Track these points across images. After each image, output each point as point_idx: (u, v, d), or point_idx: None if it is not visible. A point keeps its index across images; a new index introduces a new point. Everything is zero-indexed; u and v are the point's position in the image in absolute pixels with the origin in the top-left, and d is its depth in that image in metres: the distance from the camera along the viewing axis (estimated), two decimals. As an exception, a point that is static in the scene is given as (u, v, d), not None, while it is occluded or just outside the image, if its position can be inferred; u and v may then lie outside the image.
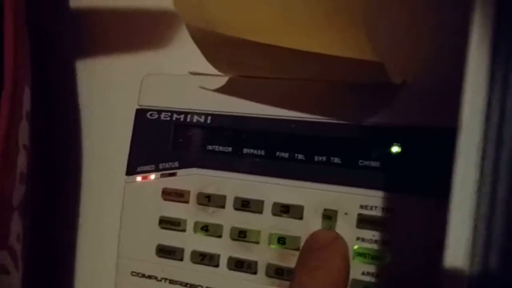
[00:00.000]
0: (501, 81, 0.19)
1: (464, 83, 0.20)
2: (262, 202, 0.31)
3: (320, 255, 0.28)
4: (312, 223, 0.30)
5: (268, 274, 0.30)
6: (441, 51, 0.31)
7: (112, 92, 0.39)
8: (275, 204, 0.31)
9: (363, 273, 0.29)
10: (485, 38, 0.19)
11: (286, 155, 0.31)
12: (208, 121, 0.33)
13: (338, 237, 0.29)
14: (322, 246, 0.28)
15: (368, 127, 0.30)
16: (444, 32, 0.31)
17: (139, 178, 0.34)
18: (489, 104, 0.19)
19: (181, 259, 0.33)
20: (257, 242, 0.31)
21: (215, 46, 0.29)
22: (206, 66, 0.31)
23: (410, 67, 0.31)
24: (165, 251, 0.33)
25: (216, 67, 0.31)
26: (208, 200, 0.32)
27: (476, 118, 0.19)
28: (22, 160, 0.32)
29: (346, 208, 0.29)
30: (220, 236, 0.32)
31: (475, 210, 0.19)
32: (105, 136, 0.39)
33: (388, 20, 0.28)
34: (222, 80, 0.33)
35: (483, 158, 0.19)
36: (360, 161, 0.30)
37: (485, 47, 0.19)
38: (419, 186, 0.28)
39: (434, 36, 0.31)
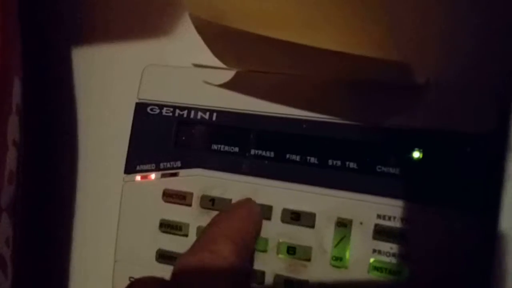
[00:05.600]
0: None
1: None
2: (270, 207, 0.29)
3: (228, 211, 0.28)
4: (325, 232, 0.28)
5: (276, 286, 0.28)
6: (470, 49, 0.28)
7: (111, 84, 0.37)
8: (285, 211, 0.29)
9: (378, 288, 0.27)
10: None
11: (297, 157, 0.29)
12: (214, 118, 0.31)
13: (250, 200, 0.29)
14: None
15: (387, 130, 0.27)
16: (471, 30, 0.28)
17: (138, 178, 0.32)
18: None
19: (183, 267, 0.30)
20: (265, 251, 0.29)
21: (221, 39, 0.27)
22: (211, 58, 0.29)
23: (434, 66, 0.28)
24: (166, 257, 0.31)
25: (222, 60, 0.29)
26: (212, 203, 0.30)
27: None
28: (11, 158, 0.30)
29: (362, 217, 0.27)
30: (224, 243, 0.30)
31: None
32: (103, 132, 0.37)
33: (411, 17, 0.25)
34: (229, 74, 0.31)
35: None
36: (378, 166, 0.27)
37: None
38: (442, 196, 0.26)
39: (461, 33, 0.29)
